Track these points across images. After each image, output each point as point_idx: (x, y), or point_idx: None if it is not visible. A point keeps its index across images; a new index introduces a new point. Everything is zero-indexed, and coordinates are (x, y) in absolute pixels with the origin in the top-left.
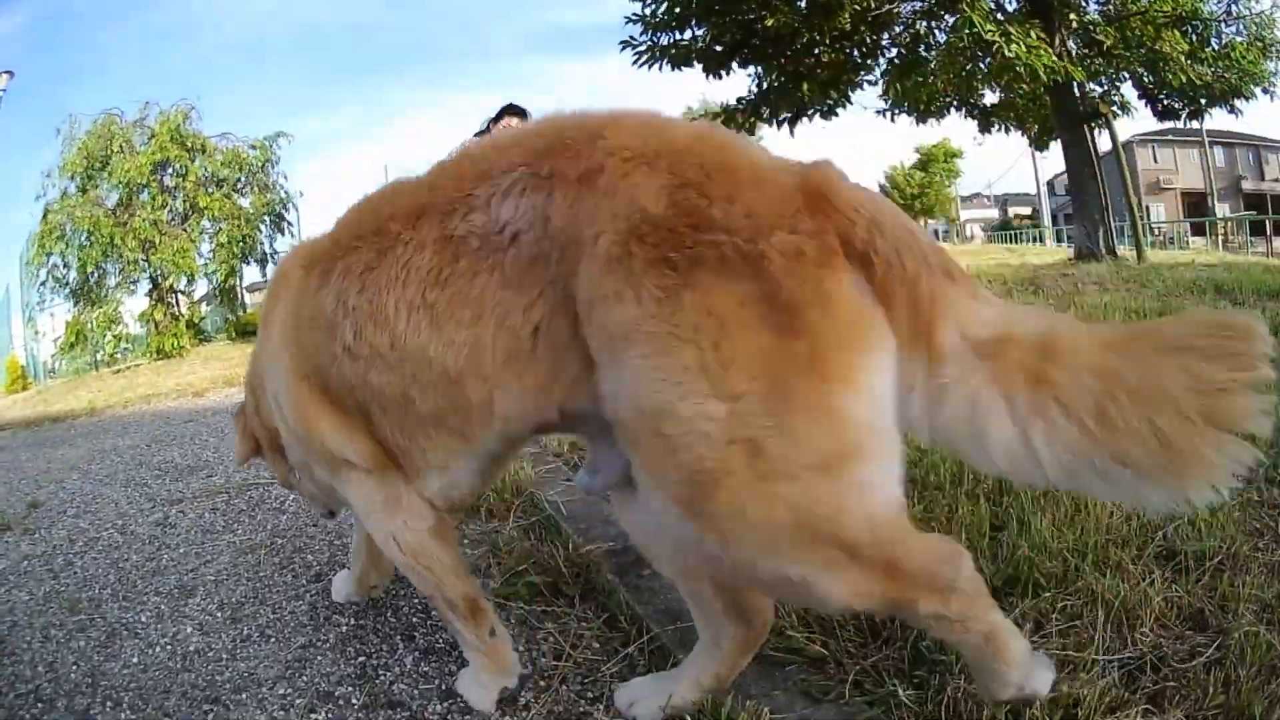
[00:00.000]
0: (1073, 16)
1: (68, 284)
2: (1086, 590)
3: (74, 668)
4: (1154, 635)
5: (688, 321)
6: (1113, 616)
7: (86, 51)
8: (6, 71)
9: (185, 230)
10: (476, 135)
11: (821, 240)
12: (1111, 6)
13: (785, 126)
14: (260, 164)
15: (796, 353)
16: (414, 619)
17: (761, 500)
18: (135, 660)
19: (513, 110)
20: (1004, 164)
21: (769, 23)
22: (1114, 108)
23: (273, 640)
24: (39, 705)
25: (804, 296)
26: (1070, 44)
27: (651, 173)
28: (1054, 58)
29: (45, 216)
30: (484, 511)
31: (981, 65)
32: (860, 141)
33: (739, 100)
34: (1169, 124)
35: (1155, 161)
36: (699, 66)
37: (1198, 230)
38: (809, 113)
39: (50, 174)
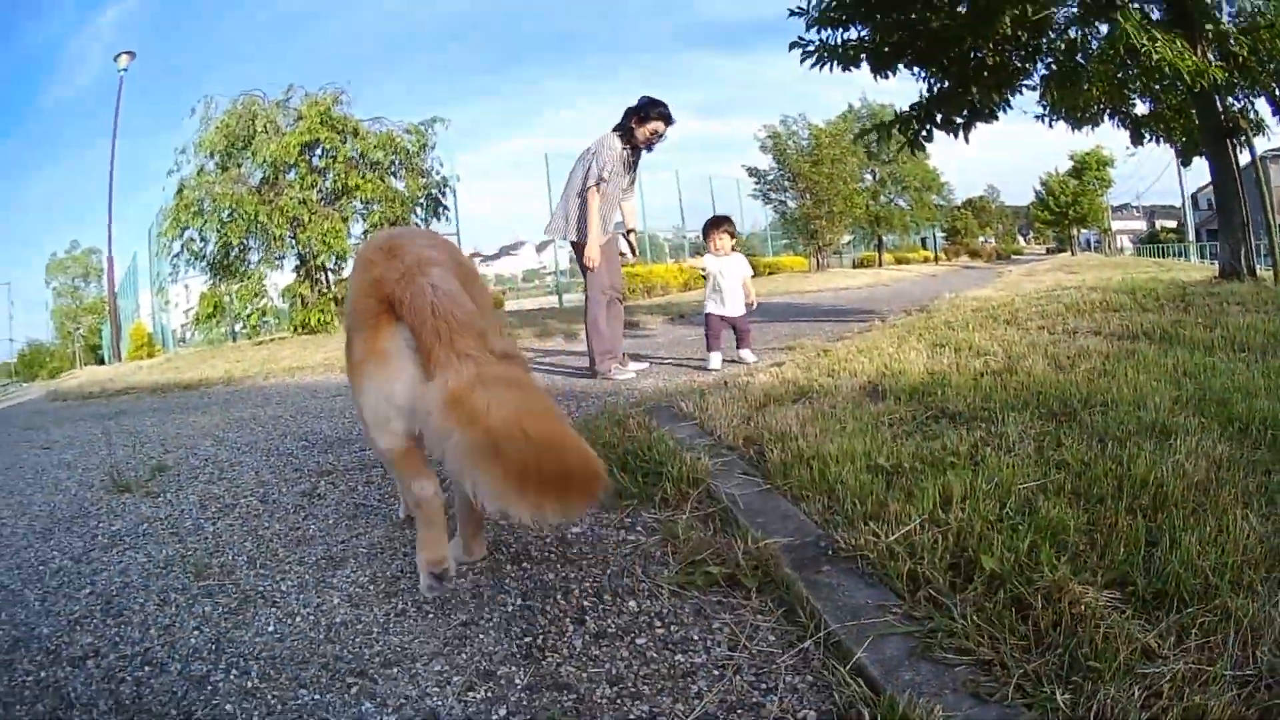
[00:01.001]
0: (1209, 26)
1: (204, 257)
2: (1222, 608)
3: (195, 633)
4: (1270, 656)
5: None
6: (1241, 634)
7: (211, 38)
8: (128, 52)
9: (336, 210)
10: (617, 129)
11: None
12: (1243, 17)
13: (961, 132)
14: (417, 148)
15: None
16: (585, 602)
17: None
18: (270, 629)
19: (660, 114)
20: (1150, 176)
21: (933, 24)
22: (1250, 123)
23: (431, 616)
24: (146, 668)
25: None
26: (1209, 55)
27: None
28: (1195, 58)
29: (180, 191)
30: (659, 500)
31: (1132, 72)
32: (1017, 147)
33: (912, 106)
34: None
35: None
36: (865, 67)
37: None
38: (984, 115)
39: (185, 150)
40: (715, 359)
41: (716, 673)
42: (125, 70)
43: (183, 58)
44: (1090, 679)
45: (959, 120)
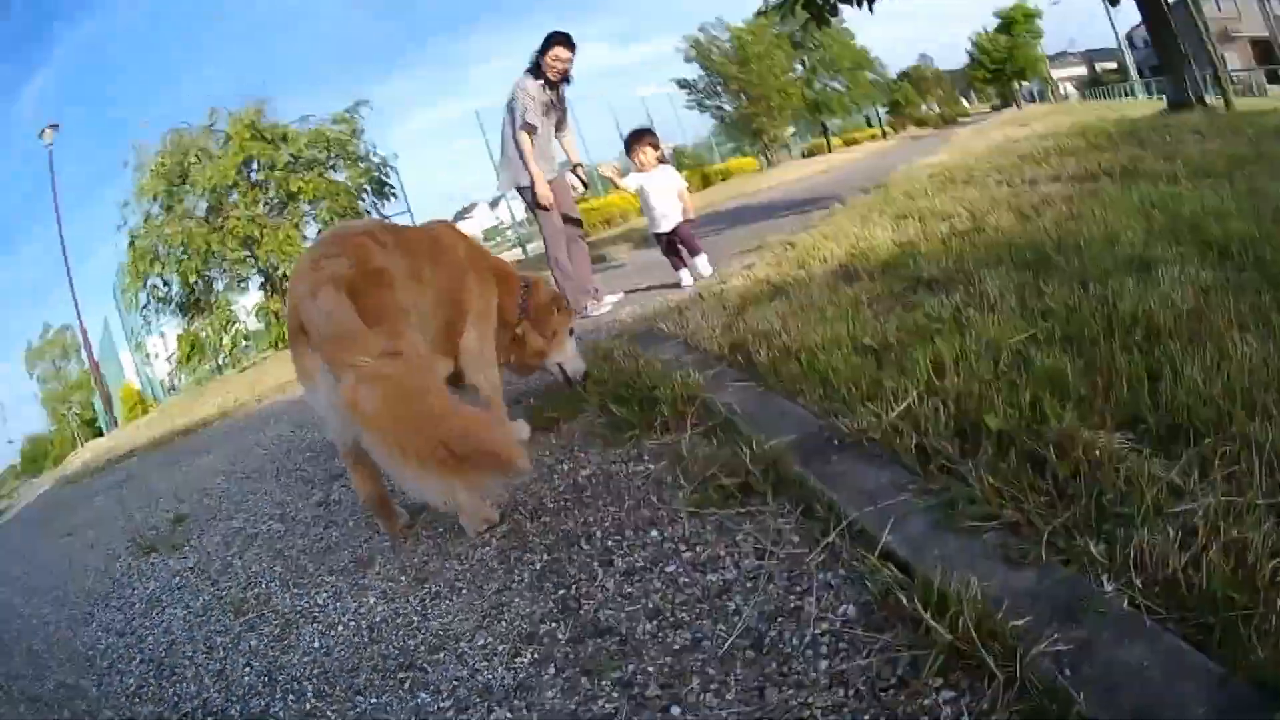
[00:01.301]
0: None
1: (172, 300)
2: (1241, 436)
3: (246, 669)
4: None
5: None
6: (1265, 460)
7: (131, 82)
8: (51, 126)
9: (286, 218)
10: (528, 71)
11: None
12: None
13: (865, 4)
14: (348, 135)
15: None
16: (609, 542)
17: None
18: (316, 645)
19: (557, 40)
20: (1079, 20)
21: None
22: None
23: (464, 592)
24: (209, 719)
25: None
26: None
27: None
28: None
29: (132, 244)
30: (659, 425)
31: None
32: (942, 17)
33: None
34: None
35: (1219, 10)
36: None
37: (1273, 78)
38: None
39: (127, 203)
40: (684, 275)
41: (749, 585)
42: (52, 144)
43: (109, 107)
44: (1122, 525)
45: None
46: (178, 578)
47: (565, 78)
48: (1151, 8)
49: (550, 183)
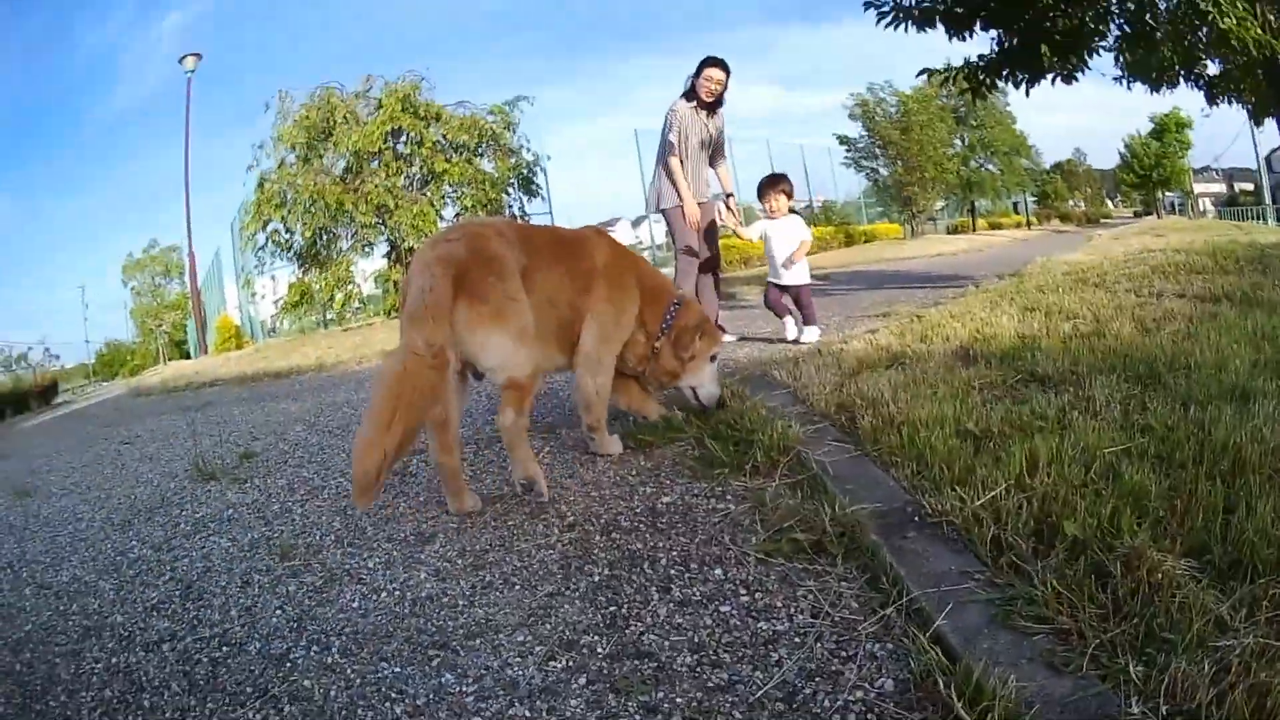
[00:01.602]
0: None
1: (291, 248)
2: None
3: (277, 612)
4: None
5: None
6: None
7: (279, 33)
8: (194, 54)
9: (425, 195)
10: (683, 95)
11: None
12: None
13: (1024, 87)
14: (502, 127)
15: None
16: (671, 571)
17: None
18: (355, 605)
19: (711, 62)
20: (1227, 138)
21: None
22: None
23: (517, 587)
24: (224, 648)
25: None
26: (1270, 17)
27: None
28: (1259, 30)
29: (261, 185)
30: (750, 468)
31: (1202, 36)
32: (1099, 110)
33: (980, 58)
34: None
35: None
36: (942, 28)
37: None
38: (1049, 76)
39: (263, 145)
40: (788, 326)
41: (798, 640)
42: (193, 72)
43: (251, 54)
44: (1164, 650)
45: (1021, 75)
46: (231, 510)
47: (719, 101)
48: None
49: (700, 205)
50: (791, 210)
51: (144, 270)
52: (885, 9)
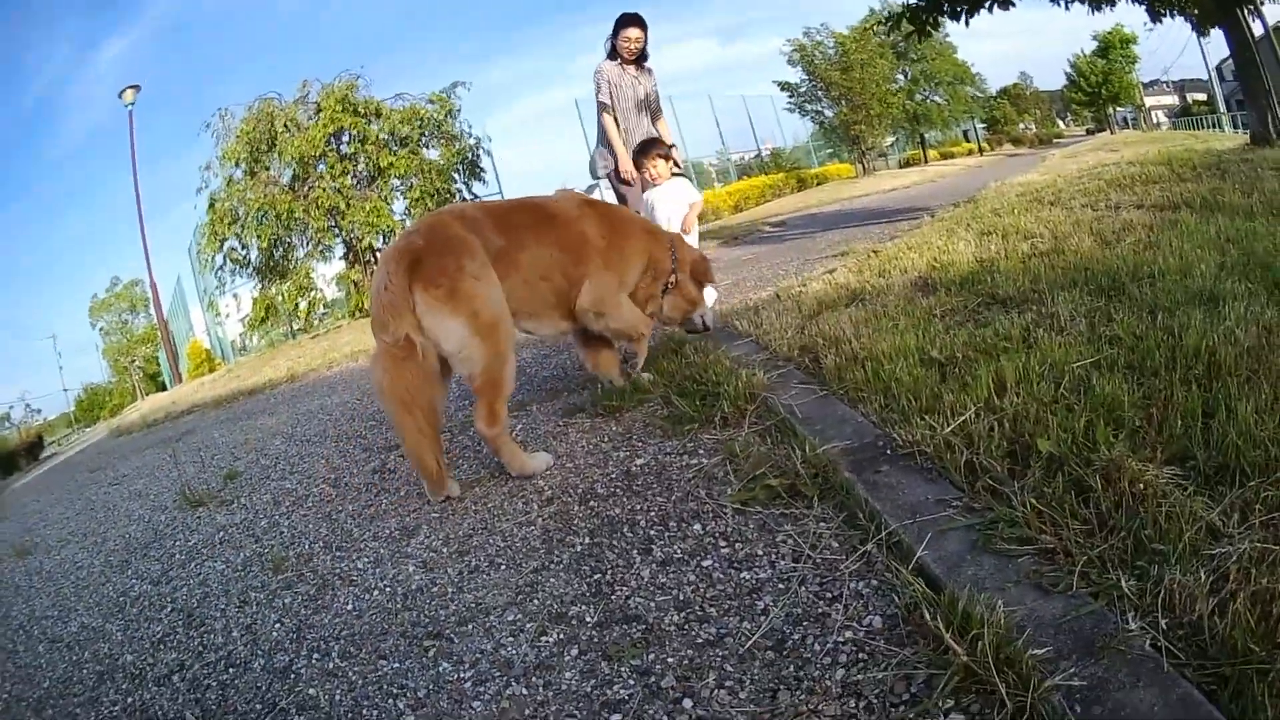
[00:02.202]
0: None
1: (249, 263)
2: None
3: (276, 626)
4: None
5: None
6: None
7: (218, 51)
8: (132, 86)
9: (375, 191)
10: (607, 56)
11: None
12: None
13: (964, 18)
14: (442, 115)
15: None
16: (651, 532)
17: None
18: (349, 608)
19: (626, 20)
20: (1175, 51)
21: None
22: None
23: (503, 568)
24: (230, 670)
25: None
26: None
27: None
28: None
29: (212, 205)
30: (719, 420)
31: None
32: (1042, 34)
33: None
34: None
35: None
36: None
37: None
38: (986, 4)
39: (209, 165)
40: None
41: (781, 586)
42: (133, 104)
43: (192, 74)
44: (1156, 562)
45: (960, 7)
46: (222, 533)
47: (643, 55)
48: (1237, 40)
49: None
50: (676, 174)
51: (110, 309)
52: None
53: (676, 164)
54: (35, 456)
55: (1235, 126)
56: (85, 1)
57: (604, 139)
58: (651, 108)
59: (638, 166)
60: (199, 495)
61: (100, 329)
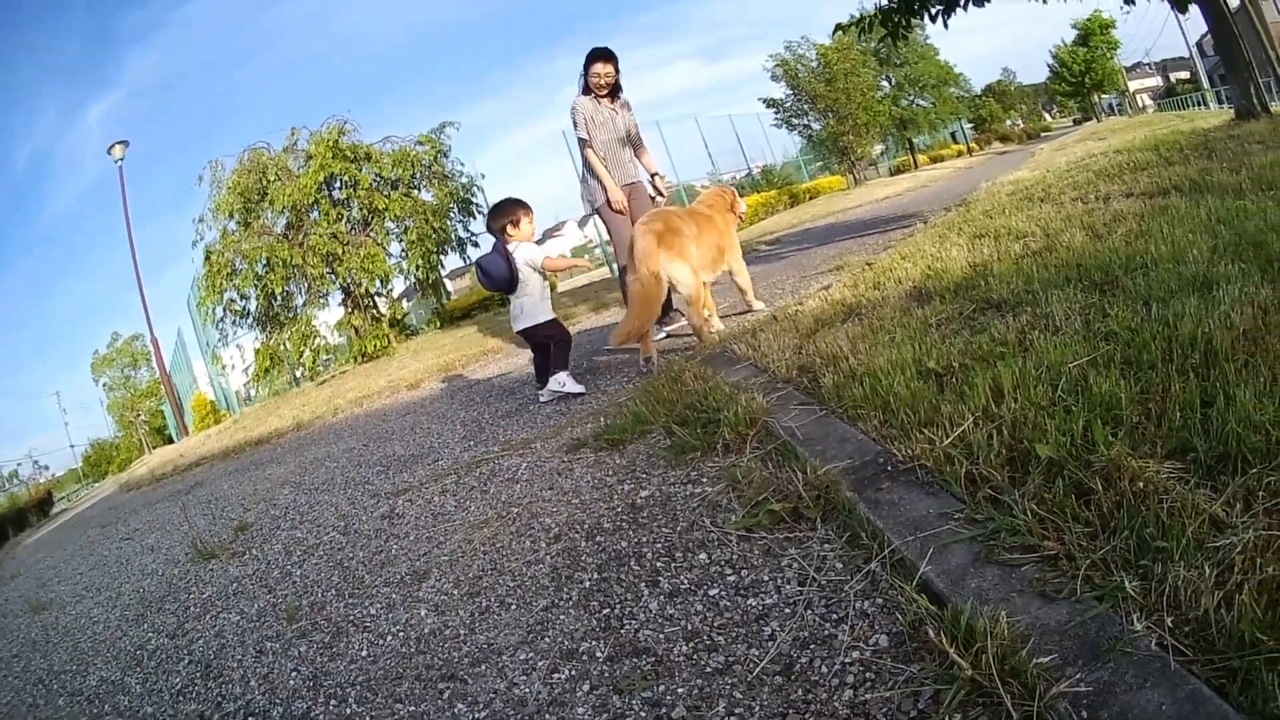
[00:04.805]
0: None
1: (249, 314)
2: None
3: (293, 675)
4: None
5: None
6: None
7: (207, 103)
8: (121, 142)
9: (370, 235)
10: (581, 91)
11: None
12: None
13: (940, 19)
14: (432, 156)
15: None
16: (658, 564)
17: None
18: (364, 654)
19: (595, 56)
20: (1154, 31)
21: None
22: None
23: (513, 608)
24: (250, 719)
25: None
26: None
27: None
28: None
29: (209, 258)
30: (720, 447)
31: None
32: (1021, 28)
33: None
34: None
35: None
36: None
37: None
38: (961, 2)
39: (203, 218)
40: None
41: (788, 610)
42: (122, 160)
43: (179, 129)
44: (1159, 560)
45: (936, 7)
46: (235, 584)
47: (617, 88)
48: (1214, 14)
49: (625, 189)
50: (533, 235)
51: (111, 365)
52: None
53: (661, 193)
54: (45, 513)
55: (1220, 102)
56: (65, 65)
57: (591, 172)
58: (634, 141)
59: (502, 231)
60: (211, 548)
61: (103, 384)
